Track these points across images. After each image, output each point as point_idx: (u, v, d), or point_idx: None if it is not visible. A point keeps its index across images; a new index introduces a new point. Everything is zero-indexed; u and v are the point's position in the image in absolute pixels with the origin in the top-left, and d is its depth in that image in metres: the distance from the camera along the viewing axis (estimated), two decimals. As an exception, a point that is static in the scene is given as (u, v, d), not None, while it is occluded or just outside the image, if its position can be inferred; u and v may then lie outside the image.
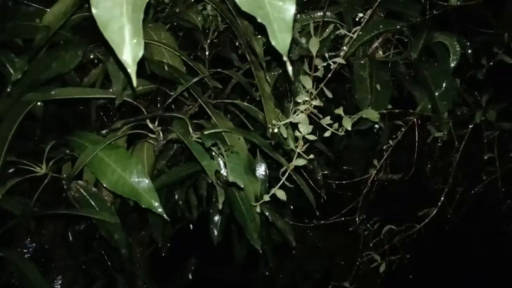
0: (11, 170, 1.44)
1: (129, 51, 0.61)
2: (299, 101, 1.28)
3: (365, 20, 1.33)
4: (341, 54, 1.53)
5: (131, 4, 0.61)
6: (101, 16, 0.60)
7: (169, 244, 2.15)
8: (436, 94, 1.66)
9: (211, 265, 3.17)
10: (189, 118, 1.45)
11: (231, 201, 1.54)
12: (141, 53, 0.61)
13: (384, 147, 1.87)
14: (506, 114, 1.88)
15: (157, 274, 2.43)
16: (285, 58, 0.64)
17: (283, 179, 1.28)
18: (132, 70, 0.61)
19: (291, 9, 0.63)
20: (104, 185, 1.29)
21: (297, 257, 3.11)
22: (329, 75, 1.30)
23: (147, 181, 1.28)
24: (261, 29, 0.64)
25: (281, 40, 0.62)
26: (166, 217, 1.29)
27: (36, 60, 1.34)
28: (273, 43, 0.62)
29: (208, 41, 1.73)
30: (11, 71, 1.39)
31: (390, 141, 1.85)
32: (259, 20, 0.62)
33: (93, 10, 0.60)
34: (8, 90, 1.26)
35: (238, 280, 3.14)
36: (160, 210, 1.27)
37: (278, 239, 2.31)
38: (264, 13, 0.62)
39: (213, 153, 1.40)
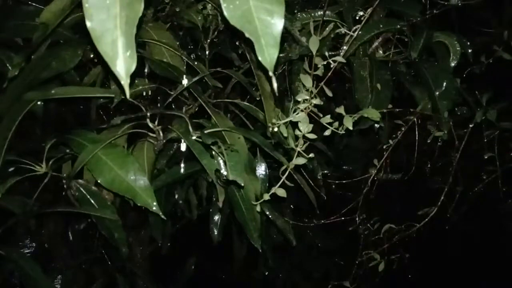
0: (11, 169, 1.44)
1: (123, 64, 0.61)
2: (299, 100, 1.28)
3: (366, 19, 1.33)
4: (341, 53, 1.53)
5: (124, 18, 0.61)
6: (95, 29, 0.61)
7: (169, 243, 2.15)
8: (436, 93, 1.66)
9: (211, 264, 3.17)
10: (189, 117, 1.45)
11: (231, 200, 1.54)
12: (134, 66, 0.62)
13: (384, 147, 1.87)
14: (506, 114, 1.88)
15: (157, 273, 2.43)
16: (270, 74, 0.64)
17: (283, 178, 1.28)
18: (125, 82, 0.61)
19: (279, 24, 0.63)
20: (101, 183, 1.29)
21: (297, 256, 3.11)
22: (329, 74, 1.30)
23: (144, 179, 1.28)
24: (249, 42, 0.65)
25: (268, 55, 0.63)
26: (162, 215, 1.29)
27: (36, 59, 1.34)
28: (260, 58, 0.63)
29: (208, 40, 1.73)
30: (10, 68, 1.39)
31: (390, 141, 1.85)
32: (247, 35, 0.62)
33: (87, 23, 0.61)
34: (5, 86, 1.25)
35: (238, 280, 3.14)
36: (155, 208, 1.27)
37: (278, 238, 2.30)
38: (252, 28, 0.62)
39: (213, 153, 1.40)
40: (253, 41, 0.63)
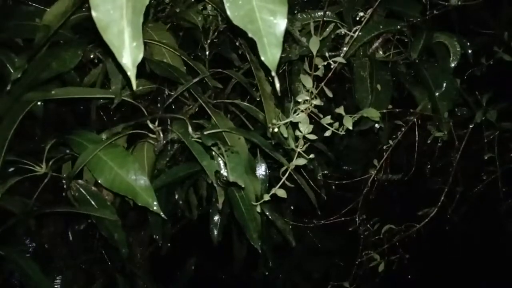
0: (11, 170, 1.44)
1: (129, 55, 0.60)
2: (300, 100, 1.28)
3: (366, 19, 1.33)
4: (342, 53, 1.53)
5: (131, 7, 0.61)
6: (101, 19, 0.60)
7: (169, 244, 2.15)
8: (436, 94, 1.66)
9: (211, 265, 3.17)
10: (189, 118, 1.45)
11: (231, 201, 1.54)
12: (140, 56, 0.61)
13: (384, 147, 1.87)
14: (506, 114, 1.88)
15: (157, 273, 2.43)
16: (273, 74, 0.64)
17: (284, 178, 1.28)
18: (132, 73, 0.61)
19: (282, 24, 0.63)
20: (101, 183, 1.29)
21: (297, 257, 3.11)
22: (330, 75, 1.30)
23: (144, 179, 1.28)
24: (252, 42, 0.65)
25: (270, 55, 0.63)
26: (163, 215, 1.29)
27: (36, 60, 1.34)
28: (262, 58, 0.63)
29: (208, 40, 1.73)
30: (11, 70, 1.39)
31: (390, 141, 1.85)
32: (250, 35, 0.62)
33: (93, 13, 0.60)
34: (8, 88, 1.26)
35: (238, 280, 3.14)
36: (156, 208, 1.27)
37: (278, 239, 2.31)
38: (255, 28, 0.62)
39: (213, 153, 1.40)
40: (256, 41, 0.62)
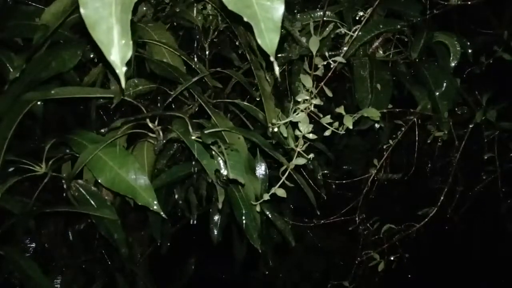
0: (10, 169, 1.44)
1: (118, 52, 0.60)
2: (299, 100, 1.28)
3: (365, 19, 1.33)
4: (341, 53, 1.53)
5: (119, 5, 0.60)
6: (89, 16, 0.60)
7: (169, 244, 2.15)
8: (437, 93, 1.66)
9: (211, 264, 3.17)
10: (189, 118, 1.45)
11: (231, 201, 1.54)
12: (129, 54, 0.60)
13: (384, 147, 1.87)
14: (506, 114, 1.88)
15: (157, 273, 2.43)
16: (272, 59, 0.62)
17: (283, 178, 1.28)
18: (120, 71, 0.60)
19: (280, 8, 0.61)
20: (101, 183, 1.29)
21: (297, 256, 3.11)
22: (329, 74, 1.30)
23: (144, 178, 1.29)
24: (249, 28, 0.63)
25: (268, 40, 0.61)
26: (163, 214, 1.29)
27: (36, 59, 1.34)
28: (259, 42, 0.61)
29: (208, 40, 1.73)
30: (11, 69, 1.38)
31: (390, 141, 1.85)
32: (245, 19, 0.60)
33: (82, 10, 0.60)
34: (6, 88, 1.25)
35: (238, 280, 3.14)
36: (156, 207, 1.27)
37: (278, 238, 2.30)
38: (251, 12, 0.60)
39: (213, 153, 1.40)
40: (252, 26, 0.61)
